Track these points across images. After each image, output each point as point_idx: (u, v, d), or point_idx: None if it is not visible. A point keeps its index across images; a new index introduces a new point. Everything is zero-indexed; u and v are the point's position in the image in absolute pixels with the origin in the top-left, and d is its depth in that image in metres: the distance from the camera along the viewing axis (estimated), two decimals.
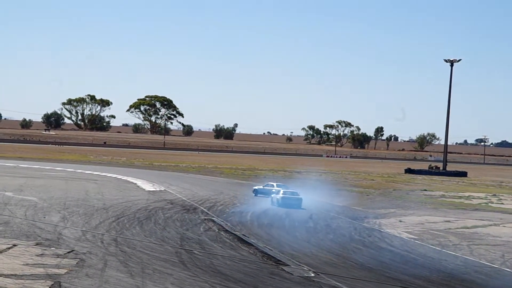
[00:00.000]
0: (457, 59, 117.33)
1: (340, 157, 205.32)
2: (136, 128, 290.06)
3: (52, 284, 18.56)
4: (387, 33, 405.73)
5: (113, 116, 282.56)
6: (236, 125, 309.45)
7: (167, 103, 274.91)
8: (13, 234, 26.85)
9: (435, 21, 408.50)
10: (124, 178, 63.88)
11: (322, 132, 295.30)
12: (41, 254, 22.87)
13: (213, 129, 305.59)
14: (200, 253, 25.89)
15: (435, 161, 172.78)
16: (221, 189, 56.28)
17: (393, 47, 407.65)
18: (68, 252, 23.59)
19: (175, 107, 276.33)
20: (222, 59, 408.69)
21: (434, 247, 31.93)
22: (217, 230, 32.78)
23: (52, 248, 24.16)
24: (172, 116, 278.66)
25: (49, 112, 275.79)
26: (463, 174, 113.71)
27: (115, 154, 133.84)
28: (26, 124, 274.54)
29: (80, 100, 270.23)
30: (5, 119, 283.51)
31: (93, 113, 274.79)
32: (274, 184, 51.79)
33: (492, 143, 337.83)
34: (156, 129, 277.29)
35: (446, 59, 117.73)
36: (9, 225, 29.15)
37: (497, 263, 28.51)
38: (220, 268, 23.28)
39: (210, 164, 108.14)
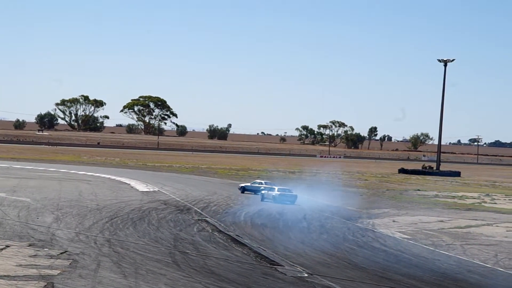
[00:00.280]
0: (451, 59, 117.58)
1: (334, 157, 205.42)
2: (130, 129, 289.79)
3: (45, 285, 18.53)
4: (381, 33, 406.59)
5: (107, 117, 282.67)
6: (230, 125, 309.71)
7: (161, 104, 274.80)
8: (6, 235, 26.79)
9: (429, 21, 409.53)
10: (118, 178, 63.80)
11: (315, 132, 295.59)
12: (34, 255, 22.82)
13: (207, 130, 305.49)
14: (194, 254, 25.87)
15: (428, 161, 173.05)
16: (214, 190, 56.26)
17: (386, 47, 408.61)
18: (61, 253, 23.55)
19: (169, 107, 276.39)
20: (216, 60, 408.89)
21: (427, 247, 31.98)
22: (210, 231, 32.76)
23: (45, 249, 24.12)
24: (166, 117, 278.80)
25: (43, 112, 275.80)
26: (457, 174, 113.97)
27: (108, 154, 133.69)
28: (19, 124, 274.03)
29: (74, 101, 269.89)
30: None
31: (87, 113, 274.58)
32: (263, 181, 55.75)
33: (485, 143, 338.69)
34: (150, 129, 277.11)
35: (440, 59, 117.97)
36: (2, 226, 29.09)
37: (490, 262, 28.57)
38: (213, 268, 23.27)
39: (204, 164, 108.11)
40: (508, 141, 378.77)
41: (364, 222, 40.19)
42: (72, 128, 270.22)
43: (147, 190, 52.55)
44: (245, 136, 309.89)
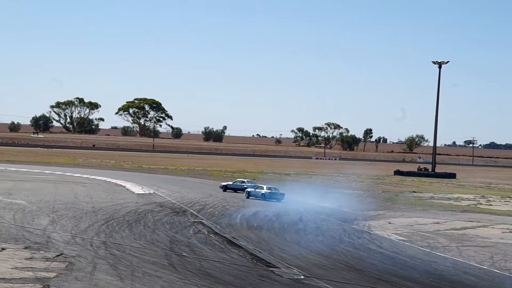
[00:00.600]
0: (445, 61, 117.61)
1: (329, 159, 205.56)
2: (125, 131, 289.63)
3: None
4: (376, 35, 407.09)
5: (102, 119, 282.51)
6: (225, 127, 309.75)
7: (156, 106, 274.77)
8: (2, 238, 26.73)
9: (424, 23, 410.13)
10: (113, 181, 63.75)
11: (311, 134, 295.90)
12: (30, 258, 22.79)
13: (202, 132, 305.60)
14: (190, 256, 25.85)
15: (424, 162, 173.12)
16: (210, 192, 56.23)
17: (382, 49, 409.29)
18: (57, 256, 23.51)
19: (164, 109, 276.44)
20: (211, 62, 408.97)
21: (423, 248, 32.00)
22: (206, 233, 32.73)
23: (41, 252, 24.08)
24: (161, 119, 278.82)
25: (38, 115, 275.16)
26: (452, 175, 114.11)
27: (104, 157, 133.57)
28: (14, 127, 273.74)
29: (69, 103, 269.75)
30: None
31: (82, 116, 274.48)
32: (245, 180, 61.26)
33: (480, 145, 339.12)
34: (145, 131, 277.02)
35: (434, 61, 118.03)
36: None
37: (486, 264, 28.60)
38: (209, 270, 23.26)
39: (199, 166, 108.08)
40: (503, 143, 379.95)
41: (360, 224, 40.20)
42: (67, 131, 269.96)
43: (143, 192, 52.49)
44: (241, 138, 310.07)
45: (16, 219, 32.62)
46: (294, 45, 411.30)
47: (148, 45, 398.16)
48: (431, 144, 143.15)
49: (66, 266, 21.72)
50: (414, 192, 70.22)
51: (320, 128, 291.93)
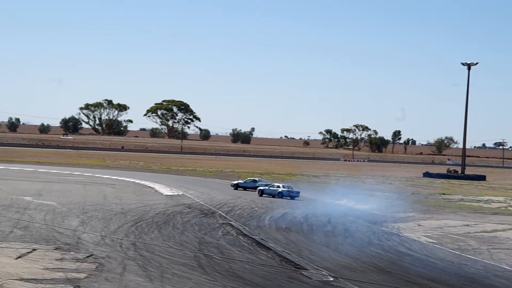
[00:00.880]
0: (475, 63, 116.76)
1: (357, 161, 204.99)
2: (154, 133, 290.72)
3: None
4: (404, 37, 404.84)
5: (131, 121, 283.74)
6: (253, 129, 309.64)
7: (184, 108, 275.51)
8: (33, 239, 26.96)
9: (453, 23, 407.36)
10: (142, 182, 64.05)
11: (339, 136, 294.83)
12: (61, 259, 22.95)
13: (230, 134, 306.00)
14: (219, 257, 25.89)
15: (453, 164, 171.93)
16: (238, 193, 56.29)
17: (410, 51, 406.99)
18: (87, 257, 23.66)
19: (192, 111, 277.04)
20: (239, 64, 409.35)
21: (453, 251, 31.78)
22: (235, 234, 32.77)
23: (71, 253, 24.24)
24: (189, 121, 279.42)
25: (67, 117, 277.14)
26: (482, 177, 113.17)
27: (132, 158, 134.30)
28: (44, 129, 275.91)
29: (98, 105, 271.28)
30: (23, 124, 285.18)
31: (111, 117, 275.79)
32: (256, 179, 65.15)
33: (510, 147, 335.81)
34: (173, 133, 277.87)
35: (463, 62, 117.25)
36: (28, 230, 29.28)
37: None
38: (238, 272, 23.27)
39: (227, 168, 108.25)
40: None
41: (389, 226, 40.02)
42: (96, 132, 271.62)
43: (172, 194, 52.66)
44: (269, 140, 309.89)
45: (46, 220, 32.88)
46: (322, 48, 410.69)
47: (177, 47, 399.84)
48: (461, 146, 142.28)
49: (96, 267, 21.85)
50: (443, 194, 69.76)
51: (348, 130, 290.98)
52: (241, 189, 62.04)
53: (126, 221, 34.49)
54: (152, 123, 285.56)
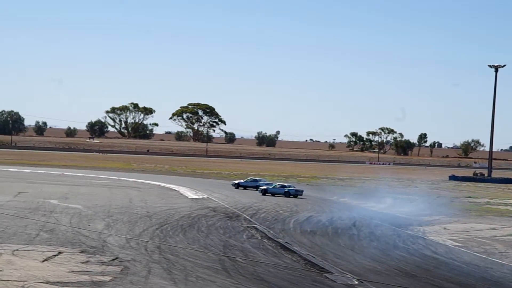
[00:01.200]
0: (502, 65, 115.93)
1: (383, 164, 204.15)
2: (179, 136, 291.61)
3: None
4: (430, 39, 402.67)
5: (156, 124, 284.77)
6: (278, 132, 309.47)
7: (210, 111, 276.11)
8: (59, 242, 27.17)
9: (480, 26, 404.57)
10: (167, 185, 64.24)
11: (365, 139, 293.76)
12: (86, 262, 23.11)
13: (255, 137, 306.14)
14: (243, 261, 25.91)
15: (480, 167, 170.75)
16: (263, 197, 56.26)
17: (437, 53, 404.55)
18: (113, 260, 23.80)
19: (217, 114, 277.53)
20: (264, 67, 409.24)
21: (479, 254, 31.54)
22: (260, 238, 32.78)
23: (96, 256, 24.40)
24: (214, 124, 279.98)
25: (93, 120, 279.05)
26: (509, 181, 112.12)
27: (158, 161, 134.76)
28: (70, 132, 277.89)
29: (124, 108, 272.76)
30: (50, 127, 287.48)
31: (136, 121, 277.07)
32: (257, 178, 69.26)
33: None
34: (198, 136, 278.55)
35: (491, 64, 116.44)
36: (54, 233, 29.52)
37: None
38: (263, 275, 23.27)
39: (252, 171, 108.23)
40: None
41: (415, 230, 39.80)
42: (122, 136, 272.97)
43: (196, 197, 52.78)
44: (294, 143, 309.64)
45: (72, 223, 33.12)
46: (347, 51, 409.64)
47: (202, 50, 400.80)
48: (487, 149, 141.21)
49: (121, 270, 21.97)
50: (469, 197, 69.25)
51: (374, 133, 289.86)
52: (241, 188, 65.07)
53: (151, 224, 34.63)
54: (178, 126, 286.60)
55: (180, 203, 46.63)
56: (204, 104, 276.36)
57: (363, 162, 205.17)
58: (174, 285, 20.45)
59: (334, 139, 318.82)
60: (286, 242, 31.75)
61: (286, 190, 58.34)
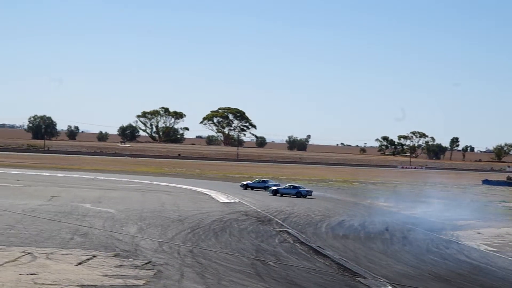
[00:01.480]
0: None
1: (415, 168, 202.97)
2: (210, 140, 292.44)
3: None
4: (460, 40, 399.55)
5: (187, 128, 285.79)
6: (309, 136, 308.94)
7: (240, 115, 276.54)
8: (92, 245, 27.35)
9: (509, 25, 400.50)
10: (199, 189, 64.44)
11: (396, 143, 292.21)
12: (120, 265, 23.23)
13: (286, 141, 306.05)
14: (276, 265, 25.88)
15: None
16: (294, 201, 56.21)
17: (465, 56, 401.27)
18: (146, 263, 23.90)
19: (247, 118, 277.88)
20: (294, 71, 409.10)
21: None
22: (292, 242, 32.73)
23: (130, 259, 24.52)
24: (245, 128, 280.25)
25: (125, 124, 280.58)
26: None
27: (189, 166, 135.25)
28: (102, 137, 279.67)
29: (154, 113, 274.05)
30: (82, 132, 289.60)
31: (167, 125, 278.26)
32: (265, 179, 72.69)
33: None
34: (229, 141, 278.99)
35: None
36: (88, 237, 29.72)
37: None
38: (296, 279, 23.23)
39: (283, 175, 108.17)
40: None
41: (448, 234, 39.50)
42: (153, 140, 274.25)
43: (228, 201, 52.86)
44: (325, 147, 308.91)
45: (105, 227, 33.33)
46: (379, 54, 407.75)
47: (232, 55, 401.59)
48: None
49: (154, 274, 22.06)
50: (503, 201, 68.59)
51: (405, 137, 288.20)
52: (249, 189, 67.62)
53: (183, 228, 34.74)
54: (208, 130, 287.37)
55: (211, 207, 46.75)
56: (234, 108, 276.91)
57: (395, 166, 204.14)
58: None
59: (365, 143, 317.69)
60: (318, 246, 31.67)
61: (298, 190, 60.91)
